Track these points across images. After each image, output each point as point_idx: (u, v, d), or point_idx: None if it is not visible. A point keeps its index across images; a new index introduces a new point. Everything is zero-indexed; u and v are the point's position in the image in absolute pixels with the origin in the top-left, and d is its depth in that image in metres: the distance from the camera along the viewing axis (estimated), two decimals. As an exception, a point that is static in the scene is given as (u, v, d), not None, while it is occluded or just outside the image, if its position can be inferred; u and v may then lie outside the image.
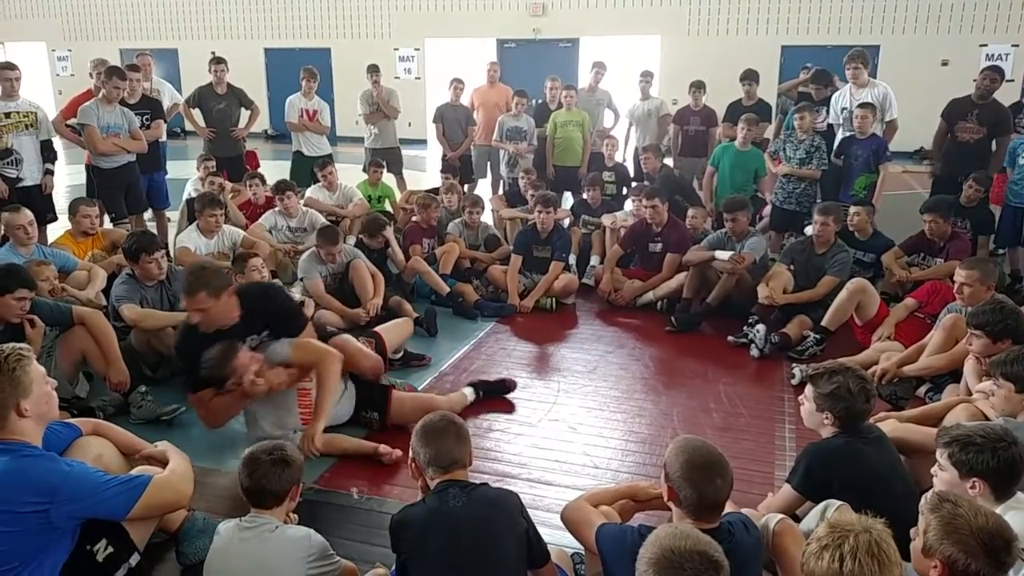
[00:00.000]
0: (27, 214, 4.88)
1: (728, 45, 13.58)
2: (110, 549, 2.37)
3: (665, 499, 2.19)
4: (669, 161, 8.16)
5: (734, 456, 3.30)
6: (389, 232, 5.88)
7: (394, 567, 2.46)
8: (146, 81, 7.23)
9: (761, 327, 4.83)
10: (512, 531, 2.21)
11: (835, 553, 1.71)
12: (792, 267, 5.29)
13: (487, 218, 6.91)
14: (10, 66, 6.06)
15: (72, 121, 6.50)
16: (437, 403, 3.78)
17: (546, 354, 4.99)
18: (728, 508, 2.24)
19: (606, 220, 6.45)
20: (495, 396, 4.21)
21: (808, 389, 2.76)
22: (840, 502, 2.38)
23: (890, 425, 3.10)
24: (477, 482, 2.31)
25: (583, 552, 2.57)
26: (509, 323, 5.50)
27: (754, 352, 4.81)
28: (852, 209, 5.67)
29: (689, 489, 2.08)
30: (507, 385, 4.29)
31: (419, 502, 2.29)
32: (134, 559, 2.45)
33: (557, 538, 2.61)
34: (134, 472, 2.54)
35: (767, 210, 6.96)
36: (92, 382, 4.18)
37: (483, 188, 8.73)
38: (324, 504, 3.14)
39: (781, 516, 2.37)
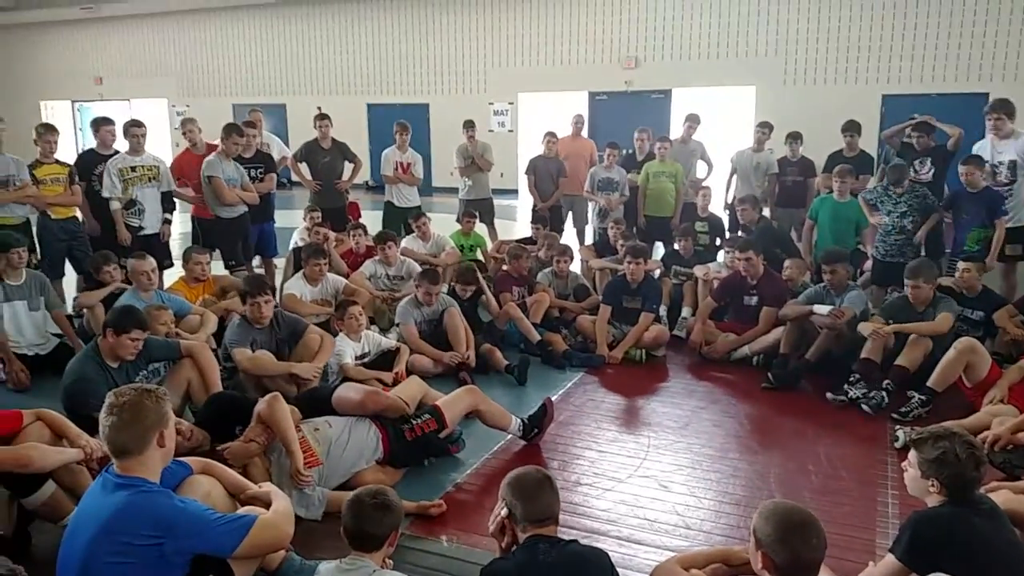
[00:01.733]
0: (151, 262, 5.26)
1: (826, 95, 13.33)
2: (217, 585, 2.47)
3: (758, 568, 2.13)
4: (766, 211, 8.04)
5: (833, 521, 3.20)
6: (482, 279, 6.01)
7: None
8: (258, 136, 7.69)
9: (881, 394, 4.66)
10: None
11: None
12: (888, 323, 5.08)
13: (576, 268, 6.97)
14: (137, 123, 6.60)
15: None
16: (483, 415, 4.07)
17: (635, 407, 4.95)
18: (824, 575, 2.17)
19: (698, 271, 6.40)
20: (537, 430, 4.23)
21: (912, 454, 2.63)
22: (948, 576, 2.26)
23: (1003, 496, 2.91)
24: (567, 538, 2.31)
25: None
26: (598, 374, 5.48)
27: (866, 408, 4.64)
28: (961, 265, 5.41)
29: (784, 551, 2.03)
30: (546, 413, 4.27)
31: (508, 556, 2.31)
32: (238, 598, 2.55)
33: (646, 599, 2.58)
34: (240, 512, 2.66)
35: (869, 264, 6.75)
36: (196, 417, 4.39)
37: (566, 238, 8.80)
38: (414, 550, 3.18)
39: (884, 589, 2.27)
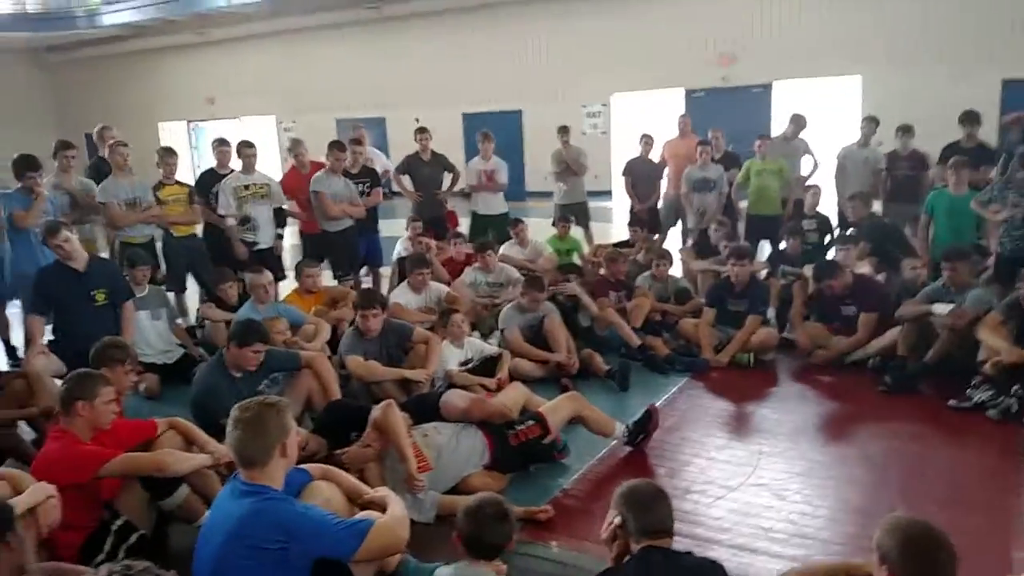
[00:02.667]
0: (268, 275, 5.54)
1: (938, 82, 12.57)
2: (338, 587, 2.57)
3: None
4: (876, 206, 7.69)
5: (963, 533, 3.00)
6: (577, 288, 5.99)
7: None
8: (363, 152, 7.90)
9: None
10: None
11: None
12: (1008, 323, 4.77)
13: (676, 271, 6.87)
14: (248, 144, 6.94)
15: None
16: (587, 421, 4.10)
17: (745, 413, 4.83)
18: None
19: (807, 271, 6.18)
20: (643, 435, 4.20)
21: None
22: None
23: None
24: (681, 550, 2.29)
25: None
26: (703, 379, 5.38)
27: (992, 414, 4.38)
28: None
29: (910, 568, 1.95)
30: (651, 418, 4.23)
31: (623, 566, 2.31)
32: (357, 599, 2.64)
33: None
34: (358, 516, 2.77)
35: (991, 260, 6.35)
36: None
37: (673, 240, 8.69)
38: (524, 556, 3.20)
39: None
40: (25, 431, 4.33)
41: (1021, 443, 4.05)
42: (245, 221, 6.74)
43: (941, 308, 4.96)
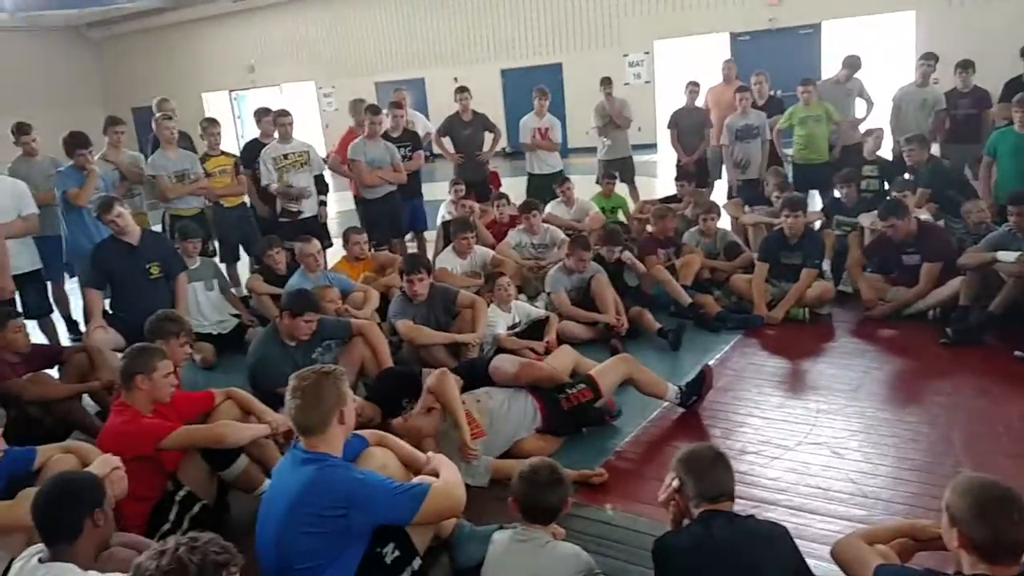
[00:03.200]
0: (316, 244, 5.59)
1: (998, 13, 11.94)
2: (397, 552, 2.60)
3: (953, 547, 1.99)
4: (935, 149, 7.37)
5: (1035, 491, 2.94)
6: (629, 256, 5.90)
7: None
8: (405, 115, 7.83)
9: None
10: (781, 567, 2.14)
11: None
12: None
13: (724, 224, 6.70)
14: (284, 113, 6.88)
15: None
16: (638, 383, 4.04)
17: (800, 370, 4.73)
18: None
19: (864, 220, 5.97)
20: (697, 397, 4.15)
21: None
22: None
23: None
24: (744, 514, 2.26)
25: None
26: (756, 336, 5.27)
27: None
28: None
29: (983, 528, 1.88)
30: (705, 379, 4.18)
31: (683, 530, 2.29)
32: (416, 563, 2.67)
33: (822, 571, 2.47)
34: (414, 481, 2.79)
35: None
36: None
37: (720, 193, 8.47)
38: (579, 518, 3.20)
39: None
40: (88, 404, 4.46)
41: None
42: (297, 197, 6.71)
43: (1007, 255, 4.75)
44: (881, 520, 2.97)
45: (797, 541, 2.31)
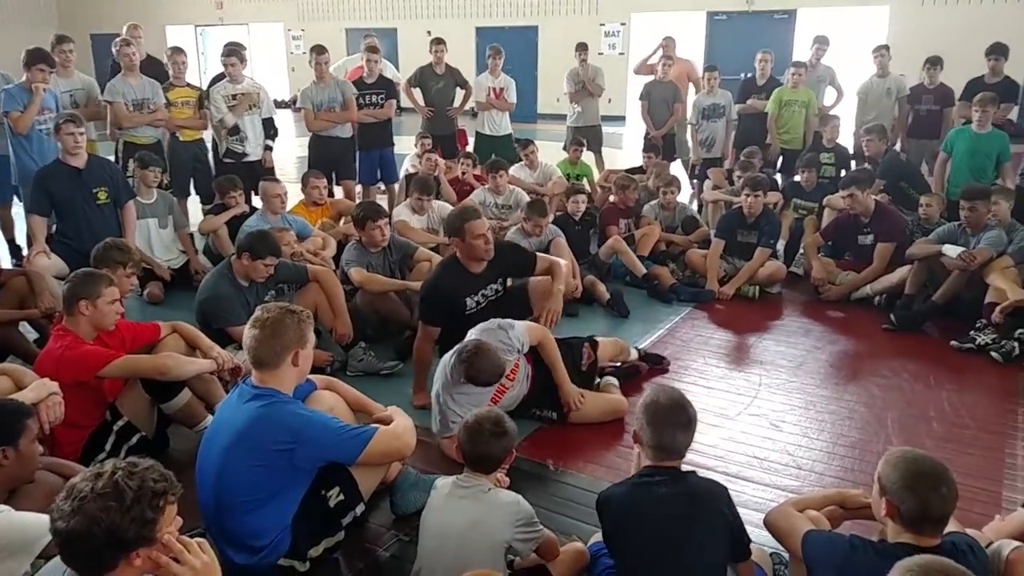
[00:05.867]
0: (283, 185, 5.45)
1: (968, 13, 12.18)
2: (341, 496, 2.61)
3: (880, 515, 2.06)
4: (897, 143, 7.52)
5: (956, 471, 3.00)
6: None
7: (592, 541, 2.54)
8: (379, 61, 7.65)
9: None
10: (715, 522, 2.19)
11: None
12: (1019, 267, 4.72)
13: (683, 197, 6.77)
14: (234, 50, 6.58)
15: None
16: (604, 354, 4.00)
17: (746, 345, 4.83)
18: (951, 527, 2.08)
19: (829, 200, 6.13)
20: (649, 366, 4.30)
21: None
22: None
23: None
24: (686, 469, 2.30)
25: (782, 553, 2.50)
26: (707, 309, 5.36)
27: (995, 356, 4.39)
28: None
29: (912, 500, 1.94)
30: (662, 361, 4.35)
31: (625, 482, 2.33)
32: (360, 508, 2.69)
33: (755, 536, 2.54)
34: (363, 424, 2.79)
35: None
36: (320, 338, 4.59)
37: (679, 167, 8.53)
38: (522, 472, 3.23)
39: (1018, 543, 2.16)
40: (28, 331, 4.34)
41: (1020, 386, 4.05)
42: (235, 131, 6.56)
43: (952, 249, 4.88)
44: (812, 491, 3.06)
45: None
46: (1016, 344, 4.39)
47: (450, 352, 3.38)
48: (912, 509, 1.95)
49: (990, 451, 3.47)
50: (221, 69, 6.77)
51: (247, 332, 2.51)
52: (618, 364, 4.20)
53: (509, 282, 4.19)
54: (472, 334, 3.44)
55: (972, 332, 4.58)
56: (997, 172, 6.31)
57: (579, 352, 3.86)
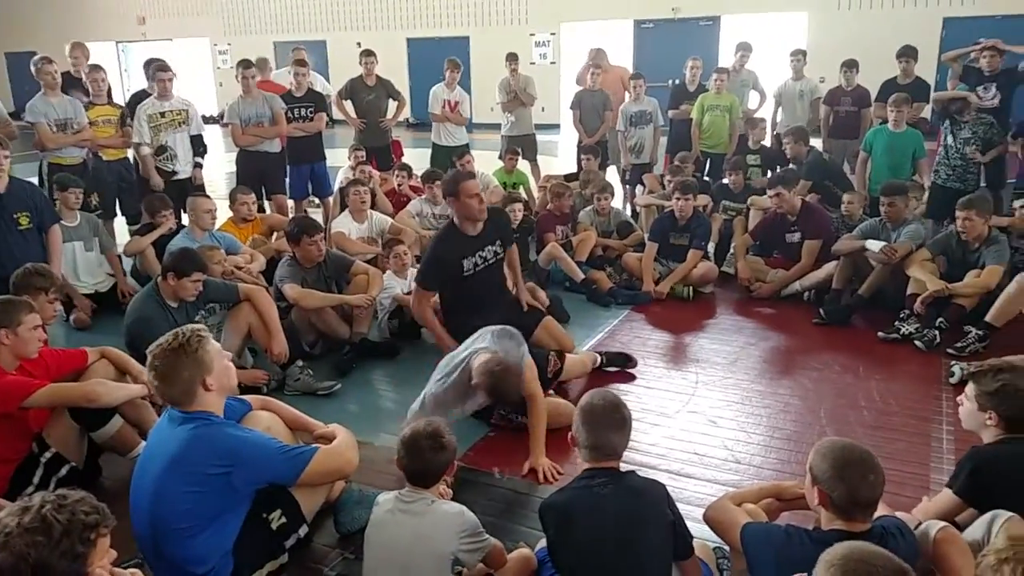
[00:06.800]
0: (212, 201, 5.34)
1: (883, 19, 12.75)
2: (283, 519, 2.57)
3: (814, 504, 2.13)
4: (818, 143, 7.80)
5: (886, 457, 3.17)
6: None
7: (538, 547, 2.55)
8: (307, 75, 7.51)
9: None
10: (657, 522, 2.22)
11: (1017, 568, 1.61)
12: (936, 259, 4.94)
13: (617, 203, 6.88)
14: (164, 67, 6.43)
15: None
16: (572, 373, 4.04)
17: (683, 344, 4.93)
18: (880, 511, 2.16)
19: (754, 200, 6.31)
20: (618, 368, 4.37)
21: (969, 387, 2.59)
22: (1010, 513, 2.23)
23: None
24: (624, 470, 2.33)
25: (725, 548, 2.55)
26: (644, 311, 5.46)
27: (919, 345, 4.57)
28: (1017, 204, 5.18)
29: (841, 487, 2.02)
30: (630, 360, 4.40)
31: (566, 487, 2.35)
32: (303, 530, 2.65)
33: (697, 532, 2.59)
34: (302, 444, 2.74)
35: (925, 196, 6.53)
36: (256, 357, 4.52)
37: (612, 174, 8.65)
38: (467, 482, 3.24)
39: (943, 523, 2.25)
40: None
41: (945, 372, 4.23)
42: (162, 150, 6.38)
43: (874, 244, 5.08)
44: (751, 484, 3.14)
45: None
46: (937, 332, 4.58)
47: (462, 354, 3.42)
48: (842, 496, 2.02)
49: (917, 436, 3.61)
50: (144, 86, 6.60)
51: (147, 374, 2.47)
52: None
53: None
54: (490, 335, 3.45)
55: (896, 323, 4.77)
56: (914, 169, 6.60)
57: (544, 360, 3.85)
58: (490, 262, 4.25)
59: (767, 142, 7.90)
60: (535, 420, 3.44)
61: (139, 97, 6.83)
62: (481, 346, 3.41)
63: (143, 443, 3.13)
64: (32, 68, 6.16)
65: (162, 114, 6.32)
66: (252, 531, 2.52)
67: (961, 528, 2.34)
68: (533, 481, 3.27)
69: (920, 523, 2.32)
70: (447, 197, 4.26)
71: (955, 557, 2.12)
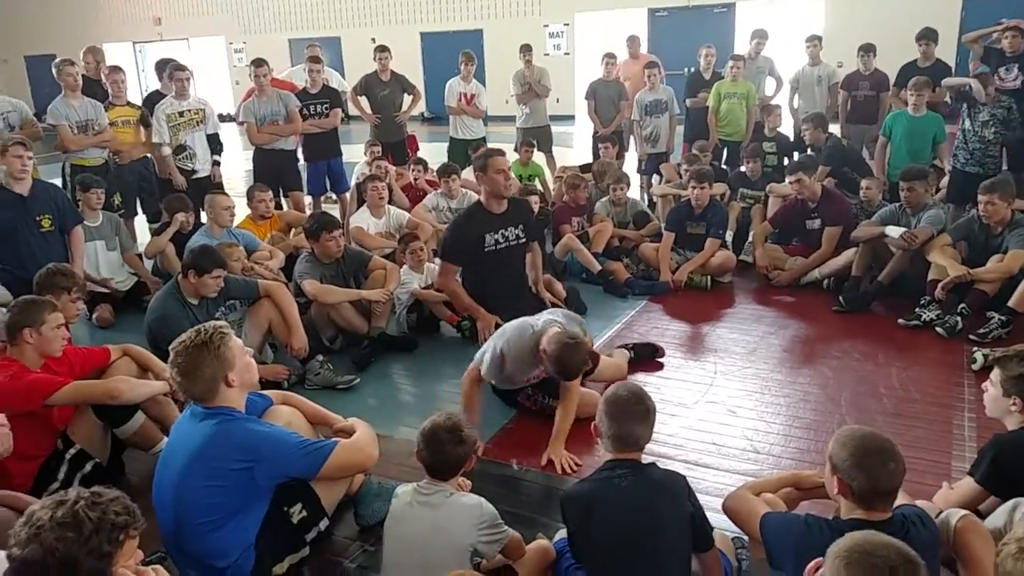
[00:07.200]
0: (231, 199, 5.39)
1: (900, 2, 12.53)
2: (304, 512, 2.58)
3: (833, 493, 2.12)
4: (836, 128, 7.71)
5: (907, 445, 3.15)
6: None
7: (556, 538, 2.56)
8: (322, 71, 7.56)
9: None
10: (678, 514, 2.21)
11: None
12: (958, 245, 4.87)
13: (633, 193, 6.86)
14: (181, 67, 6.56)
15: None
16: (604, 376, 3.96)
17: (701, 334, 4.91)
18: (900, 499, 2.14)
19: (772, 187, 6.27)
20: (646, 360, 4.36)
21: (995, 373, 2.56)
22: (1033, 501, 2.21)
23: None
24: (645, 462, 2.33)
25: (744, 538, 2.55)
26: (661, 302, 5.43)
27: (940, 332, 4.52)
28: None
29: (861, 476, 2.00)
30: (657, 350, 4.40)
31: (587, 479, 2.35)
32: (324, 523, 2.66)
33: (716, 522, 2.58)
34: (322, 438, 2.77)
35: (945, 180, 6.44)
36: (276, 353, 4.55)
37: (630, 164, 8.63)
38: (487, 474, 3.26)
39: (965, 512, 2.23)
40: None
41: (967, 359, 4.18)
42: (181, 150, 6.46)
43: (894, 230, 5.02)
44: (770, 474, 3.13)
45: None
46: (959, 319, 4.53)
47: (536, 323, 3.53)
48: (862, 485, 2.00)
49: (938, 424, 3.58)
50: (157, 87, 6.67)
51: (170, 371, 2.50)
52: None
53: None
54: (561, 314, 3.65)
55: (917, 309, 4.72)
56: (934, 153, 6.51)
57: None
58: (511, 243, 4.38)
59: (785, 129, 7.82)
60: (565, 411, 3.44)
61: (153, 98, 6.90)
62: (556, 319, 3.55)
63: (165, 439, 3.18)
64: (53, 70, 6.24)
65: (180, 114, 6.40)
66: (273, 525, 2.53)
67: (983, 517, 2.32)
68: (551, 472, 3.28)
69: (941, 512, 2.30)
70: (476, 172, 4.43)
71: (976, 546, 2.10)
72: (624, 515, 2.19)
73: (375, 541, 2.79)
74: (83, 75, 6.46)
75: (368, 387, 4.25)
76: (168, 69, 6.61)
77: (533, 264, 4.66)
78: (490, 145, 7.53)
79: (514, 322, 3.63)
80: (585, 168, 7.56)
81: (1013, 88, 6.24)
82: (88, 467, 3.10)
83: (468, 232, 4.32)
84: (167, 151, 6.39)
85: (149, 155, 6.72)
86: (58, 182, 5.96)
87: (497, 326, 4.09)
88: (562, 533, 2.50)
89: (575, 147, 12.01)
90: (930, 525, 2.10)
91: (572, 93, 14.31)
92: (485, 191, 4.38)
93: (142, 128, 6.53)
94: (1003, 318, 4.41)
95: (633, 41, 8.87)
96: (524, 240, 4.47)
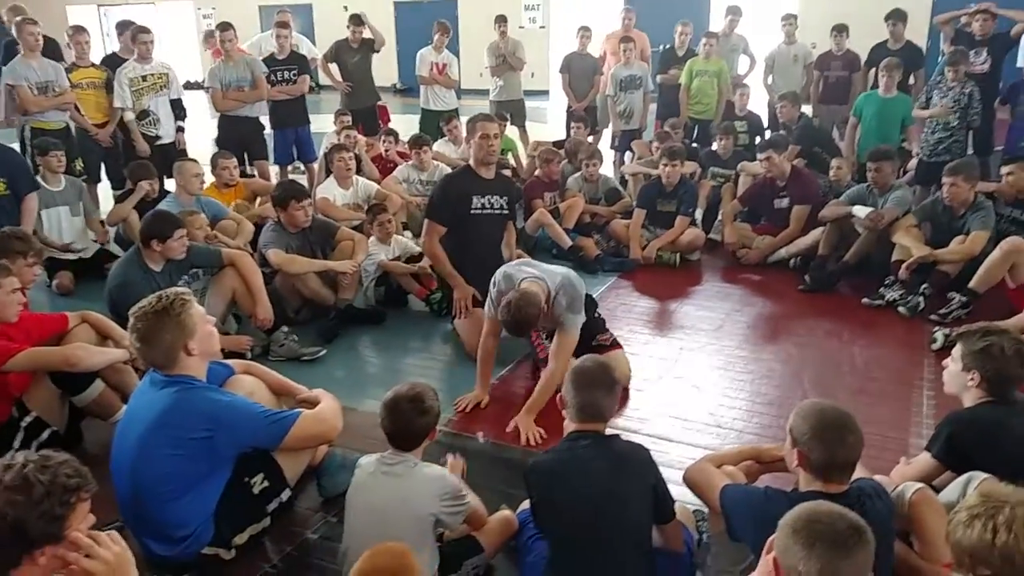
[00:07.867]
0: (200, 165, 5.28)
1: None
2: (266, 483, 2.57)
3: (793, 466, 2.14)
4: (808, 109, 7.75)
5: (867, 421, 3.15)
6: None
7: (520, 509, 2.57)
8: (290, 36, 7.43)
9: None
10: (640, 485, 2.22)
11: (988, 523, 1.61)
12: (922, 226, 4.94)
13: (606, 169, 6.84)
14: (144, 30, 6.39)
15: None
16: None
17: (668, 311, 4.94)
18: (859, 473, 2.18)
19: (744, 166, 6.28)
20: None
21: (956, 348, 2.59)
22: (985, 475, 2.26)
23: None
24: (609, 433, 2.34)
25: (705, 510, 2.58)
26: (631, 278, 5.46)
27: (902, 311, 4.59)
28: (1005, 170, 5.14)
29: (819, 448, 2.02)
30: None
31: (551, 450, 2.36)
32: (286, 494, 2.65)
33: (677, 495, 2.61)
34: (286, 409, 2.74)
35: (913, 163, 6.52)
36: (240, 323, 4.49)
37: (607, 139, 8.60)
38: (452, 447, 3.24)
39: (920, 485, 2.28)
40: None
41: (928, 338, 4.25)
42: (144, 115, 6.32)
43: (861, 210, 5.08)
44: (731, 446, 3.16)
45: (655, 467, 2.43)
46: (921, 299, 4.60)
47: (522, 273, 3.57)
48: (820, 458, 2.03)
49: (898, 402, 3.64)
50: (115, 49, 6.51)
51: (130, 338, 2.46)
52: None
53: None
54: (567, 276, 3.64)
55: (881, 289, 4.79)
56: (903, 135, 6.57)
57: (602, 328, 3.93)
58: (495, 211, 4.40)
59: (758, 108, 7.84)
60: (545, 381, 3.44)
61: (112, 61, 6.71)
62: (550, 282, 3.51)
63: (125, 408, 3.12)
64: (13, 29, 6.03)
65: (144, 78, 6.25)
66: (234, 495, 2.52)
67: (938, 491, 2.37)
68: (515, 443, 3.28)
69: (898, 486, 2.34)
70: (467, 136, 4.53)
71: (929, 518, 2.15)
72: (587, 486, 2.20)
73: (337, 512, 2.77)
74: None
75: (334, 359, 4.22)
76: (131, 31, 6.42)
77: (508, 242, 4.66)
78: (462, 119, 7.50)
79: (509, 267, 3.71)
80: (558, 144, 7.52)
81: (981, 73, 6.32)
82: (45, 435, 3.04)
83: (457, 189, 4.34)
84: (129, 116, 6.22)
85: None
86: (17, 147, 5.80)
87: (475, 300, 4.09)
88: (525, 504, 2.51)
89: (549, 123, 11.95)
90: (885, 498, 2.13)
91: (547, 67, 14.20)
92: (473, 156, 4.42)
93: (108, 94, 6.35)
94: (964, 299, 4.49)
95: (628, 13, 8.67)
96: (507, 212, 4.50)
